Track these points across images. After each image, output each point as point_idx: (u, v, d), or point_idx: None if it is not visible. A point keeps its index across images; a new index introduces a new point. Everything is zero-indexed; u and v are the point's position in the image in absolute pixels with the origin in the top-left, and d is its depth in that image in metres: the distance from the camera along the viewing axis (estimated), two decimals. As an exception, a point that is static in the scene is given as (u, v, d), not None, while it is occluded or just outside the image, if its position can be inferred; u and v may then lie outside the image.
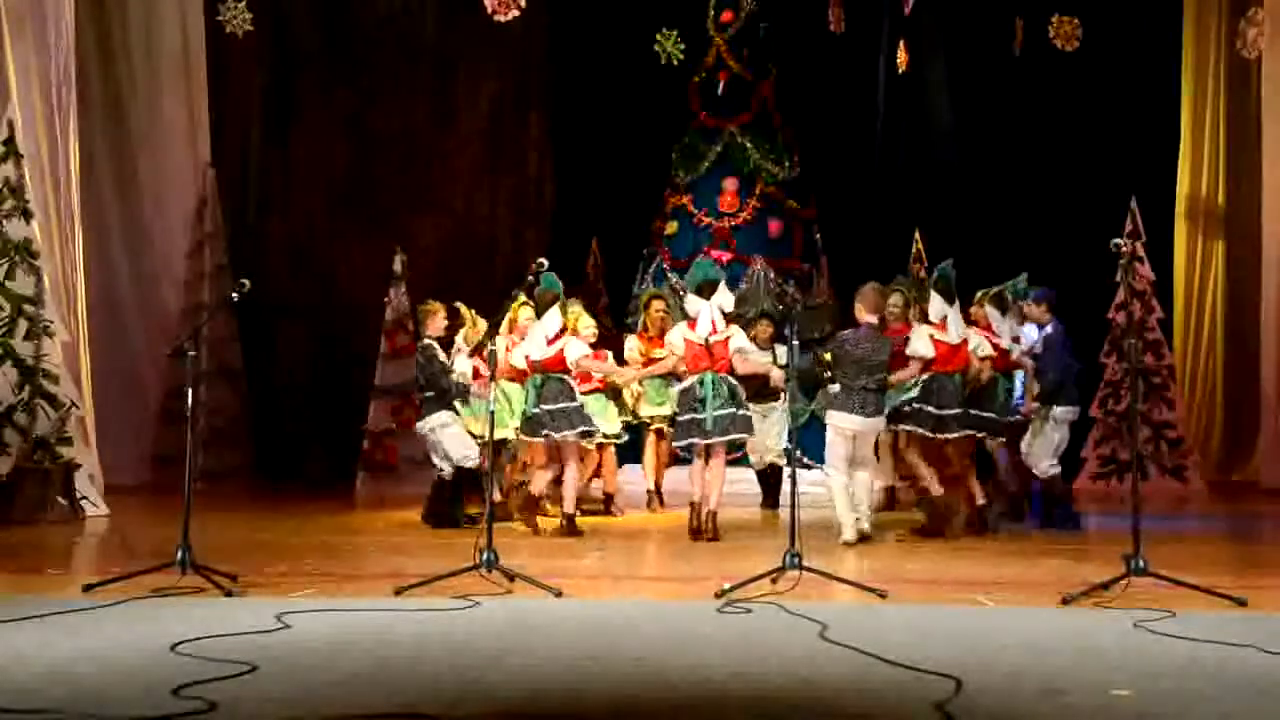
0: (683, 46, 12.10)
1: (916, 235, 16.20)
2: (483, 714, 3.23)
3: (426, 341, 8.56)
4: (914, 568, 6.48)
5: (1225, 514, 10.50)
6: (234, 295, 6.17)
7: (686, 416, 7.71)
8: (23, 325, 9.19)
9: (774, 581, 5.40)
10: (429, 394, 8.48)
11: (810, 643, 4.17)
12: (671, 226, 13.79)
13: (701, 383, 7.62)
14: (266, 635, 4.24)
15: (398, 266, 12.82)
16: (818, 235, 13.94)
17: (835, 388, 7.25)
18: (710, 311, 7.76)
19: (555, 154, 15.88)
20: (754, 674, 3.72)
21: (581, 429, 8.00)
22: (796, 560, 5.41)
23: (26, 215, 9.37)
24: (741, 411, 7.66)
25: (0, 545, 7.33)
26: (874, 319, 7.52)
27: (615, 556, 7.13)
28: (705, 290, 7.87)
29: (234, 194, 14.64)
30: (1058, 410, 8.16)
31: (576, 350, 8.02)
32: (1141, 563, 5.17)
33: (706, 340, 7.69)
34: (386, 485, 12.34)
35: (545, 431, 7.95)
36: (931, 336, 7.76)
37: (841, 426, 7.43)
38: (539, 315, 8.22)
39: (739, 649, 4.13)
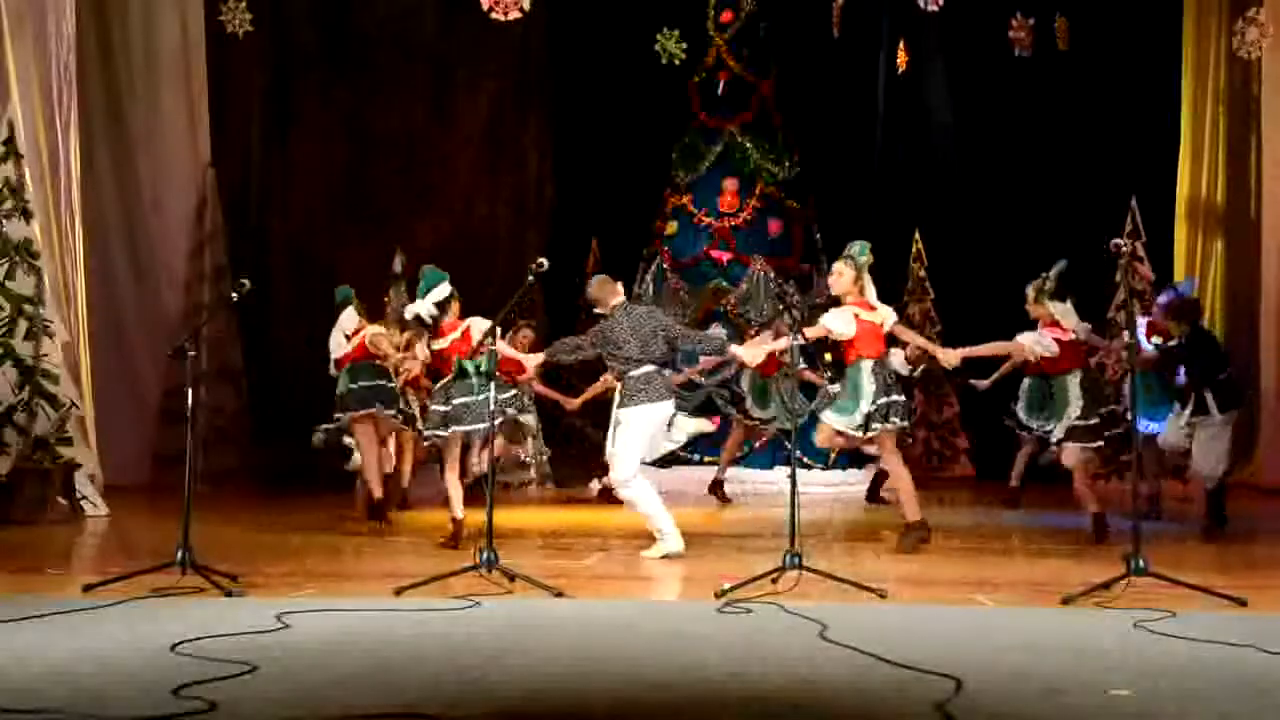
0: (683, 46, 12.09)
1: (916, 235, 16.23)
2: (483, 714, 3.23)
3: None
4: (913, 568, 6.48)
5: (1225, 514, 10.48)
6: (234, 295, 6.17)
7: (461, 400, 7.18)
8: (23, 325, 9.20)
9: (774, 581, 5.40)
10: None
11: (810, 643, 4.17)
12: (671, 226, 13.79)
13: (469, 367, 7.21)
14: (266, 635, 4.24)
15: (398, 266, 12.82)
16: (818, 235, 13.95)
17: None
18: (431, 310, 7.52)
19: (555, 154, 15.89)
20: (753, 674, 3.72)
21: (393, 409, 8.51)
22: (796, 560, 5.41)
23: (26, 215, 9.37)
24: (492, 395, 7.18)
25: (0, 545, 7.33)
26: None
27: (615, 556, 7.13)
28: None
29: (234, 194, 14.64)
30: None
31: (373, 330, 8.56)
32: (1141, 563, 5.17)
33: (440, 347, 7.49)
34: (386, 485, 12.30)
35: (374, 403, 8.42)
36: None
37: (658, 419, 6.89)
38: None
39: (739, 649, 4.13)
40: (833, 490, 11.84)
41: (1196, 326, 8.31)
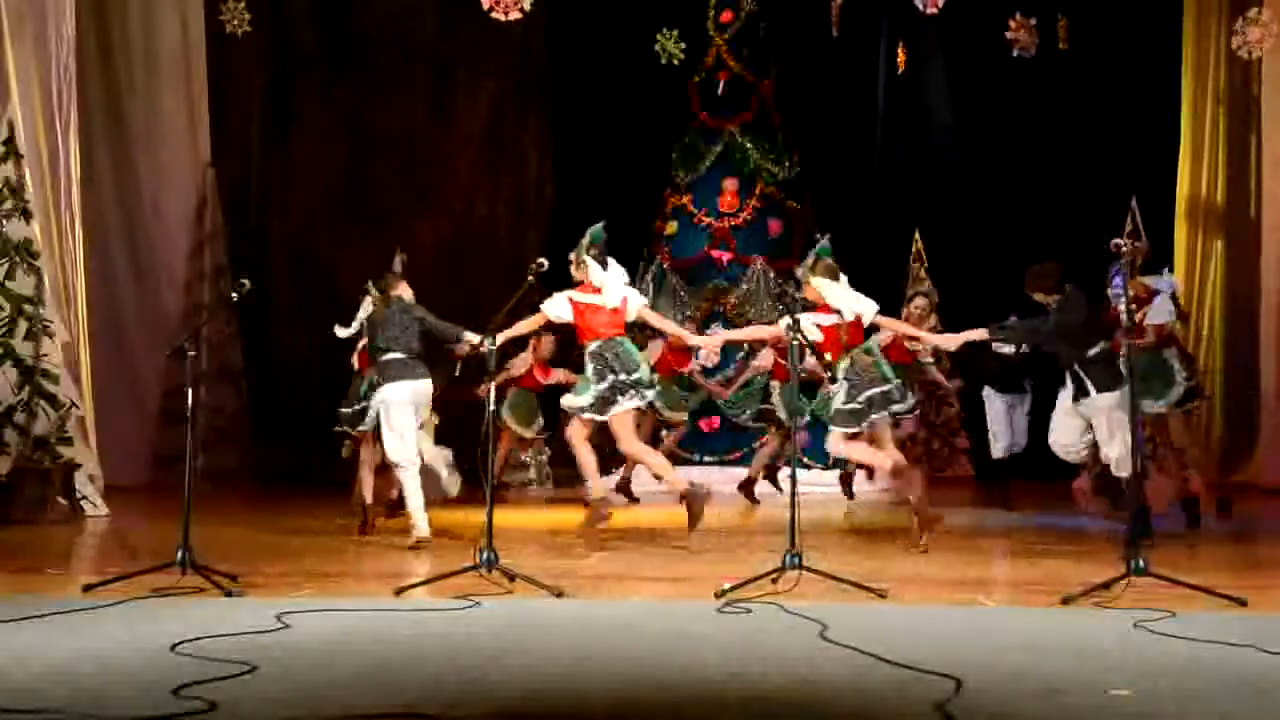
0: (683, 46, 12.08)
1: (916, 235, 16.22)
2: (483, 714, 3.23)
3: None
4: (914, 568, 6.47)
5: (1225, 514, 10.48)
6: (234, 295, 6.18)
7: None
8: (23, 325, 9.20)
9: (774, 581, 5.40)
10: None
11: (810, 643, 4.17)
12: (671, 226, 13.78)
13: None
14: (266, 635, 4.24)
15: (398, 266, 12.81)
16: (818, 236, 13.93)
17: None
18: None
19: (555, 154, 15.88)
20: (753, 674, 3.72)
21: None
22: (796, 560, 5.41)
23: (26, 215, 9.37)
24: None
25: (0, 545, 7.33)
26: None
27: (615, 556, 7.13)
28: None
29: (234, 194, 14.64)
30: None
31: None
32: (1141, 563, 5.17)
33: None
34: (387, 485, 12.31)
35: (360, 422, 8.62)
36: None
37: (407, 395, 7.35)
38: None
39: (739, 649, 4.13)
40: (833, 490, 11.81)
41: (1067, 293, 7.11)
